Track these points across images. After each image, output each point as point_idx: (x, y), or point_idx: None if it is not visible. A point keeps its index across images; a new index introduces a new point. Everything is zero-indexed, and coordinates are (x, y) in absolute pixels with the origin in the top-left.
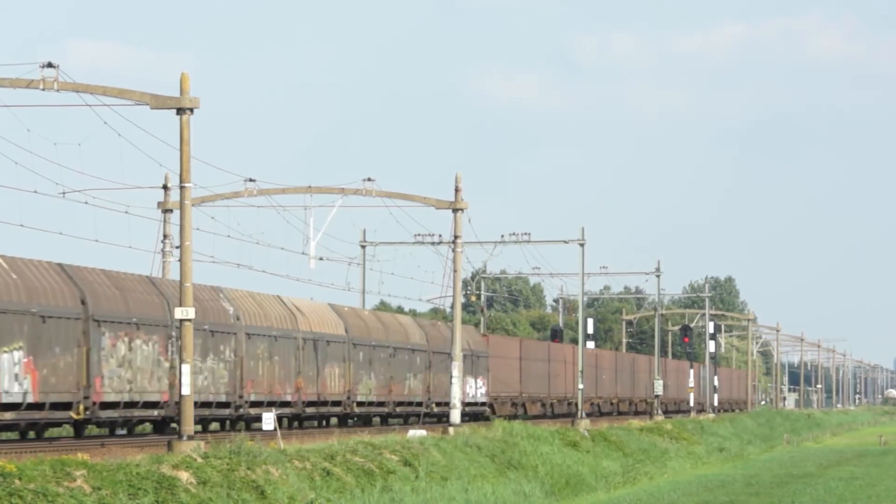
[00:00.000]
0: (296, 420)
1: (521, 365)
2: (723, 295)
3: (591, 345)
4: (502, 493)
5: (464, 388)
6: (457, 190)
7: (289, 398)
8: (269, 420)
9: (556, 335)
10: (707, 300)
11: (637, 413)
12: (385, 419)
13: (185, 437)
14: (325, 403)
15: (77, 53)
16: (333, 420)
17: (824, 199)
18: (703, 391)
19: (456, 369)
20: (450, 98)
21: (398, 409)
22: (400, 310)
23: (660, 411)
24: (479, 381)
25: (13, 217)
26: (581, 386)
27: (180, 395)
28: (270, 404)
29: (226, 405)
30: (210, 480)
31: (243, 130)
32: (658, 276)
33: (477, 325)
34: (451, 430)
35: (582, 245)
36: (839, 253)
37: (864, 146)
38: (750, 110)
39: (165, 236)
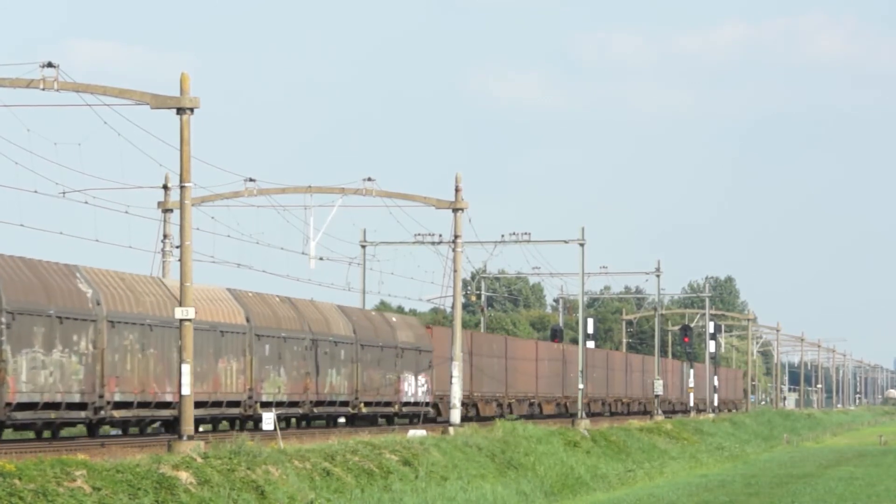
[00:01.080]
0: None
1: (472, 361)
2: (723, 295)
3: (590, 344)
4: (502, 493)
5: (400, 386)
6: (457, 190)
7: (169, 398)
8: (268, 420)
9: (556, 335)
10: (707, 300)
11: (613, 414)
12: (302, 421)
13: (185, 437)
14: (218, 404)
15: (77, 53)
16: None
17: (824, 198)
18: (682, 390)
19: (456, 369)
20: (450, 98)
21: (317, 410)
22: (400, 309)
23: (660, 411)
24: (420, 378)
25: (13, 217)
26: (581, 385)
27: (180, 395)
28: (143, 405)
29: (81, 406)
30: (210, 480)
31: (243, 130)
32: (658, 276)
33: (477, 325)
34: (451, 430)
35: (582, 245)
36: (839, 253)
37: (863, 146)
38: (750, 110)
39: (165, 236)
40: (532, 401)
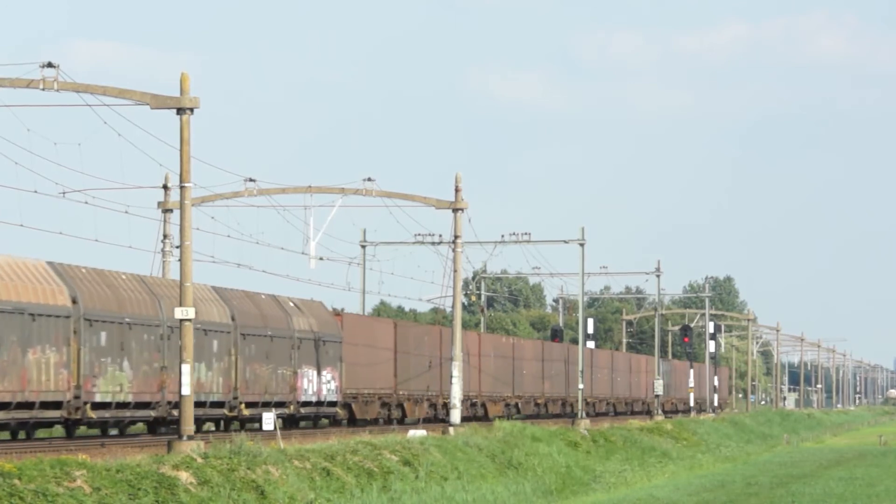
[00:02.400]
0: None
1: (398, 356)
2: (722, 295)
3: (590, 344)
4: (502, 493)
5: (297, 383)
6: (457, 190)
7: None
8: (268, 420)
9: (557, 335)
10: (707, 300)
11: (577, 416)
12: (161, 426)
13: (185, 437)
14: (28, 405)
15: (77, 53)
16: (58, 429)
17: (824, 198)
18: (667, 389)
19: (456, 369)
20: (450, 98)
21: (177, 413)
22: (400, 310)
23: (660, 411)
24: (326, 373)
25: (13, 217)
26: (581, 386)
27: (180, 395)
28: None
29: None
30: (210, 480)
31: (243, 130)
32: (658, 276)
33: (477, 325)
34: (451, 430)
35: (582, 245)
36: (839, 253)
37: (864, 146)
38: (750, 110)
39: (165, 236)
40: (474, 401)
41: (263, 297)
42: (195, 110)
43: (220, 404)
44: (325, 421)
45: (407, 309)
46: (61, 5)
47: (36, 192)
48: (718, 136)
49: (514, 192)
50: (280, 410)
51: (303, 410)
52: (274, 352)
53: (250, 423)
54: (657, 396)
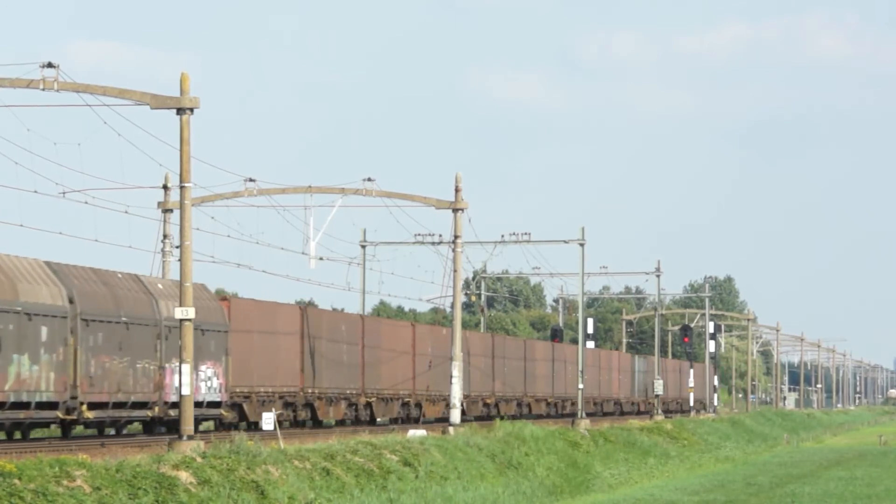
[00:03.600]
0: None
1: (306, 348)
2: (722, 295)
3: (590, 344)
4: (502, 493)
5: (165, 380)
6: (457, 190)
7: None
8: (268, 420)
9: (557, 335)
10: (707, 300)
11: (538, 416)
12: None
13: (185, 437)
14: None
15: (78, 53)
16: None
17: (825, 198)
18: (638, 389)
19: (456, 369)
20: (450, 98)
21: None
22: (400, 310)
23: (660, 411)
24: (206, 369)
25: (13, 217)
26: (581, 386)
27: (180, 395)
28: None
29: None
30: (210, 480)
31: (243, 130)
32: (658, 276)
33: (477, 325)
34: (451, 429)
35: (582, 245)
36: (839, 253)
37: (865, 146)
38: (751, 110)
39: (165, 236)
40: (406, 399)
41: (120, 276)
42: (195, 110)
43: (51, 405)
44: (207, 424)
45: (407, 309)
46: (61, 5)
47: (36, 192)
48: (719, 137)
49: (514, 192)
50: (141, 412)
51: (172, 413)
52: (131, 342)
53: (107, 428)
54: (657, 396)
